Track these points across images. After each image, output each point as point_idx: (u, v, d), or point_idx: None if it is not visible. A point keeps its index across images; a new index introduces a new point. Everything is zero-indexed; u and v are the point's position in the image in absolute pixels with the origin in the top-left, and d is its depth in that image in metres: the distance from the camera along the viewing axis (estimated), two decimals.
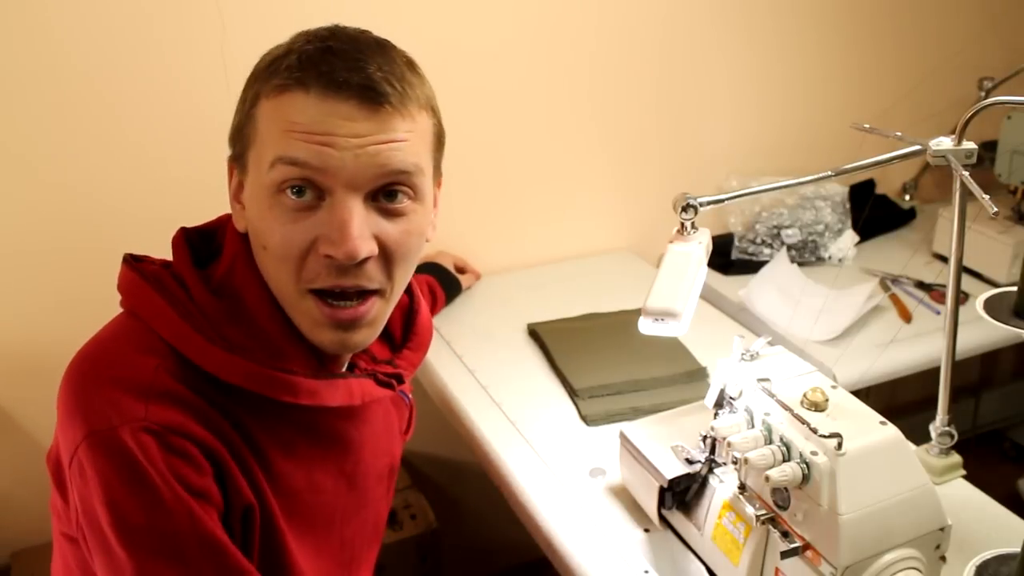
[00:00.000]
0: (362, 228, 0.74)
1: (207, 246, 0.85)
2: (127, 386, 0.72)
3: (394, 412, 0.99)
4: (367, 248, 0.75)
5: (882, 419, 0.86)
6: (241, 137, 0.79)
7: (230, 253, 0.82)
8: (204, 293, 0.79)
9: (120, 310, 0.82)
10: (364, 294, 0.78)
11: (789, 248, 1.87)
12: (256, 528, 0.79)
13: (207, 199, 1.50)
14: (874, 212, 2.03)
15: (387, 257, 0.78)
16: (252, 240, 0.80)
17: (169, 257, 0.83)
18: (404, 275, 0.81)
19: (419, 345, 0.96)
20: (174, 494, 0.70)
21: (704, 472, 0.98)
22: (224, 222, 0.87)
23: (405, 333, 0.96)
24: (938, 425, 1.12)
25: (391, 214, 0.77)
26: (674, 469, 0.98)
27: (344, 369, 0.89)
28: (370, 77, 0.73)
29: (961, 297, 1.08)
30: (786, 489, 0.85)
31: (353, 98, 0.73)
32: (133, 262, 0.81)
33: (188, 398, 0.74)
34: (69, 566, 0.81)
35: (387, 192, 0.77)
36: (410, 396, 1.01)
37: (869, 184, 2.13)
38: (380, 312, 0.80)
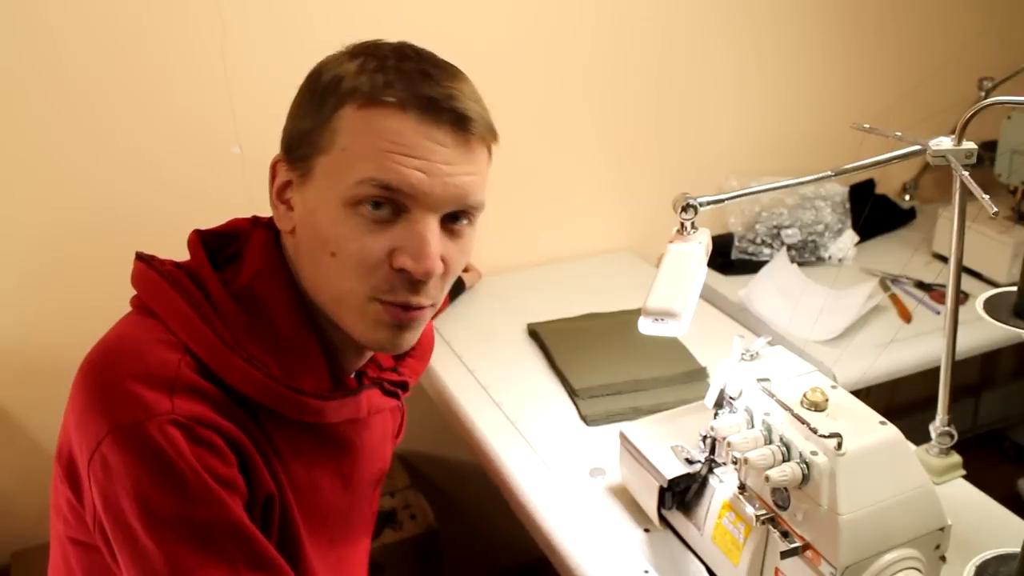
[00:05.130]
0: (437, 247, 0.77)
1: (223, 249, 0.85)
2: (151, 381, 0.72)
3: (389, 417, 0.99)
4: (439, 267, 0.78)
5: (882, 419, 0.86)
6: (309, 141, 0.77)
7: (256, 261, 0.82)
8: (225, 298, 0.79)
9: (126, 309, 0.82)
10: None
11: (789, 248, 1.87)
12: (275, 517, 0.79)
13: (207, 199, 1.51)
14: (874, 212, 2.03)
15: (444, 274, 0.81)
16: (311, 244, 0.79)
17: (168, 258, 0.83)
18: (448, 287, 0.85)
19: (422, 354, 0.98)
20: (203, 485, 0.70)
21: (704, 472, 0.98)
22: (242, 228, 0.86)
23: None
24: (938, 425, 1.12)
25: (454, 235, 0.80)
26: (674, 469, 0.98)
27: (352, 376, 0.89)
28: (466, 106, 0.75)
29: (961, 297, 1.08)
30: (786, 489, 0.85)
31: (449, 125, 0.75)
32: (149, 260, 0.81)
33: (210, 391, 0.74)
34: (72, 572, 0.80)
35: (452, 215, 0.79)
36: (402, 401, 1.02)
37: (869, 184, 2.13)
38: (426, 317, 0.83)
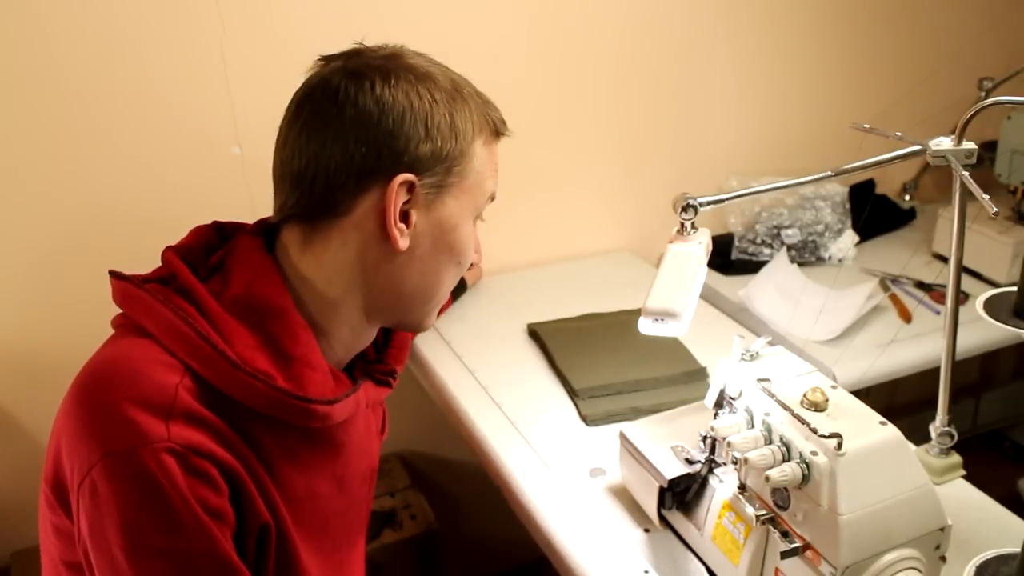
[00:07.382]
0: None
1: (200, 262, 0.83)
2: (147, 405, 0.70)
3: (371, 414, 0.99)
4: None
5: (882, 419, 0.86)
6: (448, 165, 0.83)
7: (248, 269, 0.80)
8: (219, 311, 0.77)
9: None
10: None
11: (789, 248, 1.87)
12: (271, 545, 0.78)
13: (208, 200, 1.51)
14: (874, 212, 2.03)
15: None
16: (437, 255, 0.85)
17: (145, 272, 0.82)
18: None
19: (402, 343, 0.98)
20: (193, 516, 0.69)
21: (704, 472, 0.98)
22: (210, 238, 0.85)
23: (386, 334, 0.98)
24: (938, 425, 1.12)
25: None
26: (674, 469, 0.98)
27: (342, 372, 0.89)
28: None
29: (961, 297, 1.08)
30: (786, 489, 0.85)
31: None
32: (131, 279, 0.79)
33: (207, 417, 0.73)
34: None
35: None
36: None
37: (869, 184, 2.13)
38: None
